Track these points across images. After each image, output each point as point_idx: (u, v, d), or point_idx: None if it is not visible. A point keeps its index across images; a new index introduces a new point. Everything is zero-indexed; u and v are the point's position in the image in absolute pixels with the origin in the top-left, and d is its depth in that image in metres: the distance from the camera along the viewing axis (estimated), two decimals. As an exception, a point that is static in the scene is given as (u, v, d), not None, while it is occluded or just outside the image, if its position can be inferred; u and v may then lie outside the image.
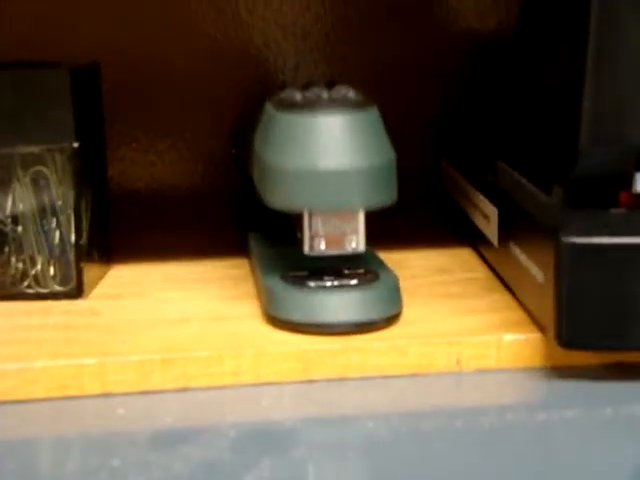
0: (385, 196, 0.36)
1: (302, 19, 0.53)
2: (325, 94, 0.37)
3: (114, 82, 0.48)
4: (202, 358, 0.36)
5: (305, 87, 0.39)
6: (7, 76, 0.40)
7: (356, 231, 0.37)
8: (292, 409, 0.35)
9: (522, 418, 0.34)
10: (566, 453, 0.32)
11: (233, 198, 0.52)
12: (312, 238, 0.37)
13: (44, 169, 0.41)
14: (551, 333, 0.35)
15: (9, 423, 0.34)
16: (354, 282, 0.38)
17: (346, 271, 0.39)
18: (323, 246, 0.37)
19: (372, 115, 0.36)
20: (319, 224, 0.37)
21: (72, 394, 0.35)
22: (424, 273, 0.44)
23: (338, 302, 0.37)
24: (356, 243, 0.37)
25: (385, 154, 0.36)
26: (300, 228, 0.37)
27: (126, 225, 0.50)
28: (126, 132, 0.53)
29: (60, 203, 0.41)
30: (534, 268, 0.37)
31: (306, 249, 0.37)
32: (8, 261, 0.41)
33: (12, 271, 0.41)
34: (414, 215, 0.52)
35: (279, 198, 0.36)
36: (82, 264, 0.41)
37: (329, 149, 0.35)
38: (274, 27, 0.53)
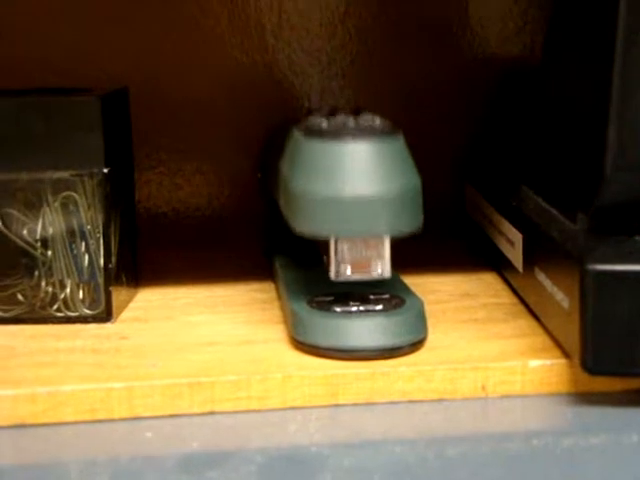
0: (411, 223, 0.36)
1: (327, 45, 0.54)
2: (351, 122, 0.37)
3: (141, 106, 0.49)
4: (229, 382, 0.36)
5: (331, 114, 0.40)
6: (39, 103, 0.41)
7: (382, 257, 0.37)
8: (319, 434, 0.35)
9: (548, 444, 0.34)
10: (592, 479, 0.32)
11: (259, 222, 0.52)
12: (338, 264, 0.37)
13: (74, 194, 0.41)
14: (576, 359, 0.35)
15: (39, 446, 0.34)
16: (380, 307, 0.39)
17: (372, 296, 0.39)
18: (349, 272, 0.37)
19: (398, 143, 0.36)
20: (345, 250, 0.37)
21: (101, 417, 0.35)
22: (449, 298, 0.45)
23: (364, 327, 0.38)
24: (382, 269, 0.37)
25: (411, 182, 0.36)
26: (326, 253, 0.38)
27: (153, 249, 0.51)
28: (153, 156, 0.54)
29: (89, 227, 0.42)
30: (559, 294, 0.37)
31: (332, 275, 0.37)
32: (38, 285, 0.42)
33: (42, 295, 0.42)
34: (439, 240, 0.52)
35: (306, 224, 0.36)
36: (111, 288, 0.42)
37: (355, 176, 0.35)
38: (300, 52, 0.54)
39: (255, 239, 0.52)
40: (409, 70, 0.54)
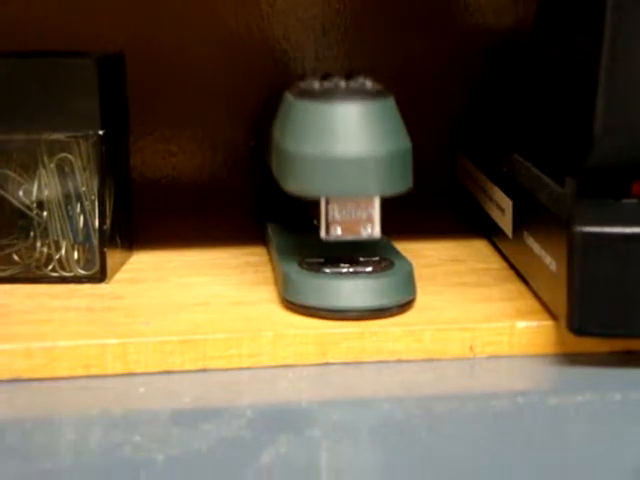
0: (400, 184, 0.37)
1: (322, 14, 0.54)
2: (343, 84, 0.38)
3: (136, 73, 0.49)
4: (221, 340, 0.37)
5: (324, 77, 0.40)
6: (36, 65, 0.41)
7: (371, 217, 0.38)
8: (308, 391, 0.35)
9: (533, 402, 0.34)
10: (576, 436, 0.32)
11: (252, 188, 0.52)
12: (328, 224, 0.38)
13: (69, 156, 0.42)
14: (563, 321, 0.36)
15: (35, 400, 0.35)
16: (369, 269, 0.39)
17: (361, 259, 0.40)
18: (339, 232, 0.38)
19: (388, 104, 0.37)
20: (335, 210, 0.37)
21: (95, 373, 0.36)
22: (439, 263, 0.45)
23: (353, 288, 0.38)
24: (371, 229, 0.38)
25: (401, 142, 0.37)
26: (317, 215, 0.38)
27: (147, 213, 0.51)
28: (147, 122, 0.54)
29: (84, 189, 0.42)
30: (547, 257, 0.38)
31: (322, 235, 0.38)
32: (33, 245, 0.42)
33: (37, 255, 0.42)
34: (430, 206, 0.53)
35: (296, 184, 0.37)
36: (105, 249, 0.42)
37: (346, 137, 0.36)
38: (294, 21, 0.54)
39: (248, 205, 0.53)
40: (403, 39, 0.54)
